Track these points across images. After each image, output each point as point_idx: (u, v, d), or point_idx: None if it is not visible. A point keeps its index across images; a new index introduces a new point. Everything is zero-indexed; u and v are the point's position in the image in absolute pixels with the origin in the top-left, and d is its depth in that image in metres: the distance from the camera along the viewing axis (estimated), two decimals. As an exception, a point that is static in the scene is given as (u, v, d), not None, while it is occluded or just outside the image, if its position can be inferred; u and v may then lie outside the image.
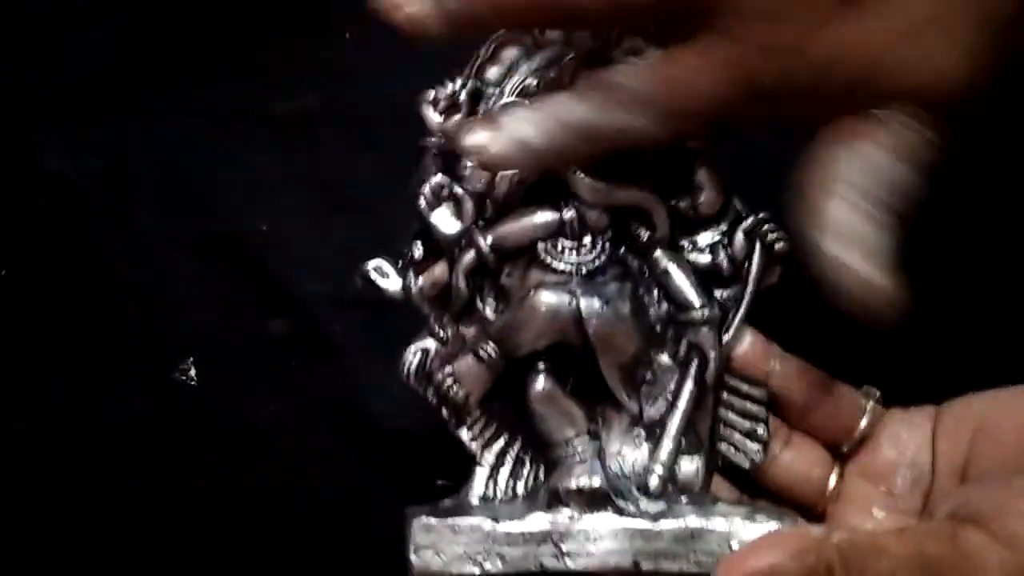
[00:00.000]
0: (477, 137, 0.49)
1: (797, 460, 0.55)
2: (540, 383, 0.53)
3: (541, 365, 0.53)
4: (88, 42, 0.69)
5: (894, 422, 0.55)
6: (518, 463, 0.55)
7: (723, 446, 0.55)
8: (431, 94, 0.54)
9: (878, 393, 0.56)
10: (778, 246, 0.55)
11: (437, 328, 0.54)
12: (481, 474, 0.55)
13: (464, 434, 0.55)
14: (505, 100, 0.54)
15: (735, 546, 0.52)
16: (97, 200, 0.67)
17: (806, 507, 0.55)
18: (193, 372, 0.65)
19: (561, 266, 0.53)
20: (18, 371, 0.65)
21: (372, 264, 0.55)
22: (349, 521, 0.63)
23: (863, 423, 0.55)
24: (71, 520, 0.64)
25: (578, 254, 0.53)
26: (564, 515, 0.53)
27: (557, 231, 0.53)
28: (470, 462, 0.55)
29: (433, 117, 0.54)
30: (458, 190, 0.54)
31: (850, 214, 0.47)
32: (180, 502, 0.64)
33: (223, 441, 0.64)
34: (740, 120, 0.49)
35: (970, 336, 0.61)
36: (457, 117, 0.54)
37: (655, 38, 0.52)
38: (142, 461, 0.64)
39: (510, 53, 0.55)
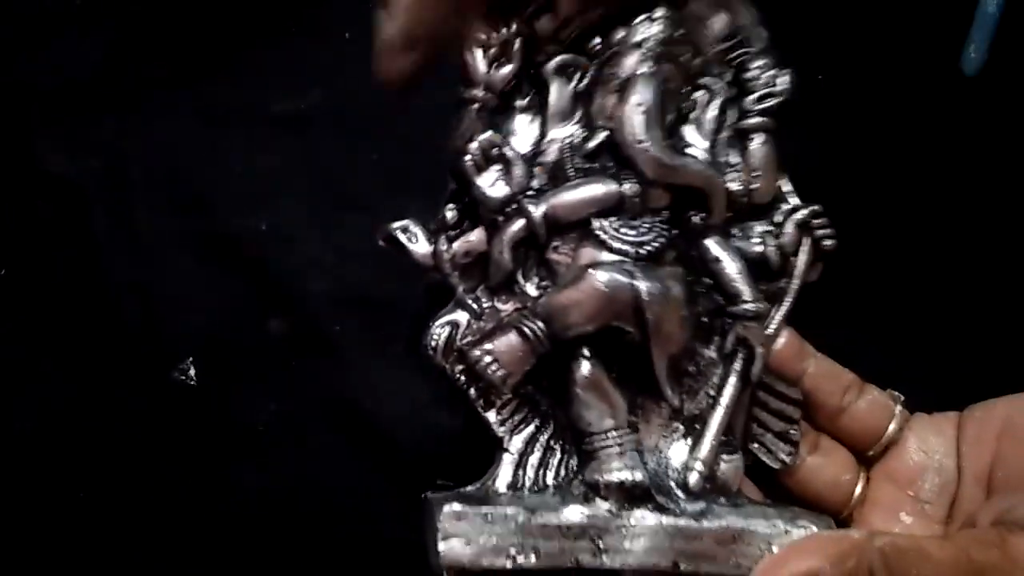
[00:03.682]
0: None
1: (825, 464, 0.54)
2: (586, 368, 0.50)
3: (586, 350, 0.50)
4: (88, 42, 0.69)
5: (920, 426, 0.54)
6: (548, 452, 0.51)
7: (754, 446, 0.53)
8: (482, 36, 0.49)
9: (902, 397, 0.55)
10: (826, 243, 0.53)
11: (470, 301, 0.50)
12: (508, 461, 0.51)
13: (492, 417, 0.51)
14: (561, 57, 0.50)
15: (776, 549, 0.50)
16: (97, 200, 0.67)
17: (832, 512, 0.54)
18: (193, 372, 0.65)
19: (619, 245, 0.49)
20: (18, 371, 0.65)
21: (399, 224, 0.50)
22: (349, 521, 0.63)
23: (892, 427, 0.54)
24: (71, 520, 0.64)
25: (636, 234, 0.50)
26: (602, 509, 0.49)
27: (615, 207, 0.49)
28: (495, 447, 0.51)
29: (480, 65, 0.50)
30: (508, 151, 0.49)
31: None
32: (180, 502, 0.63)
33: (223, 441, 0.64)
34: None
35: (987, 341, 0.61)
36: (507, 68, 0.50)
37: None
38: (142, 461, 0.64)
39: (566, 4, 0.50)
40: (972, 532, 0.49)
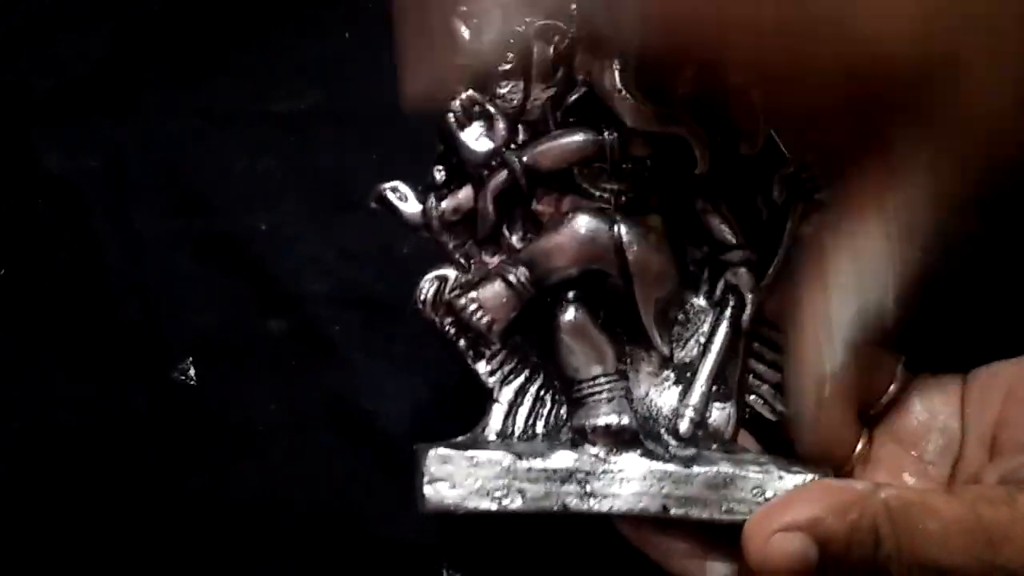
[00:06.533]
0: None
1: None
2: (571, 313, 0.50)
3: (571, 294, 0.50)
4: (88, 42, 0.69)
5: (925, 387, 0.54)
6: (538, 402, 0.52)
7: (751, 397, 0.53)
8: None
9: (903, 357, 0.54)
10: (817, 194, 0.53)
11: (458, 255, 0.51)
12: (498, 411, 0.51)
13: (482, 367, 0.51)
14: (542, 22, 0.51)
15: (769, 495, 0.49)
16: (96, 200, 0.67)
17: (832, 468, 0.53)
18: (192, 372, 0.65)
19: (600, 193, 0.50)
20: (18, 371, 0.65)
21: (389, 185, 0.52)
22: (349, 521, 0.63)
23: (893, 386, 0.54)
24: (71, 520, 0.64)
25: (618, 181, 0.50)
26: (590, 453, 0.50)
27: (596, 156, 0.50)
28: (486, 398, 0.51)
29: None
30: (490, 108, 0.51)
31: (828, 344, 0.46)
32: (179, 502, 0.63)
33: (223, 441, 0.64)
34: None
35: (993, 304, 0.61)
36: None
37: None
38: (141, 461, 0.64)
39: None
40: (980, 488, 0.48)
